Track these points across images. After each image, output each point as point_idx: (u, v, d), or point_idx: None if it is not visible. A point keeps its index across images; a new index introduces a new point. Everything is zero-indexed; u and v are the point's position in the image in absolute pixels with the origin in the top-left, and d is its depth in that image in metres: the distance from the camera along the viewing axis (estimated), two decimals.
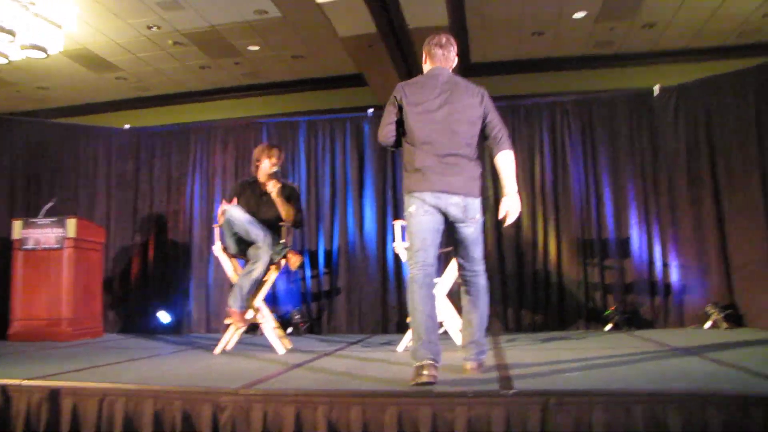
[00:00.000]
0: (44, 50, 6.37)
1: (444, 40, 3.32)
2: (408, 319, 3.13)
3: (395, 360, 3.76)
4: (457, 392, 2.55)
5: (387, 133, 3.21)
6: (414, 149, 3.13)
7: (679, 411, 2.34)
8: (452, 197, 3.07)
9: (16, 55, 6.37)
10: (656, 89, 5.72)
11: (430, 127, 3.12)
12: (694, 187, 5.51)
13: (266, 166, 4.59)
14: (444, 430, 2.46)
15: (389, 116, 3.20)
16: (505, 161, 3.32)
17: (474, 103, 3.23)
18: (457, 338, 4.16)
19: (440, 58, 3.30)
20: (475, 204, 3.18)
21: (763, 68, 5.17)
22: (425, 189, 3.05)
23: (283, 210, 4.49)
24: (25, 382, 2.95)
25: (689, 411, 2.34)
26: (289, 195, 4.63)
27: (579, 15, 6.70)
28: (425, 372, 2.80)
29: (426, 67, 3.35)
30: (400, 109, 3.17)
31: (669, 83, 5.77)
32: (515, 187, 3.32)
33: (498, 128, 3.29)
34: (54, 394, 2.86)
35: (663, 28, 6.97)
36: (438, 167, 3.07)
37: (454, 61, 3.38)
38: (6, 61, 6.48)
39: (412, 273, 3.06)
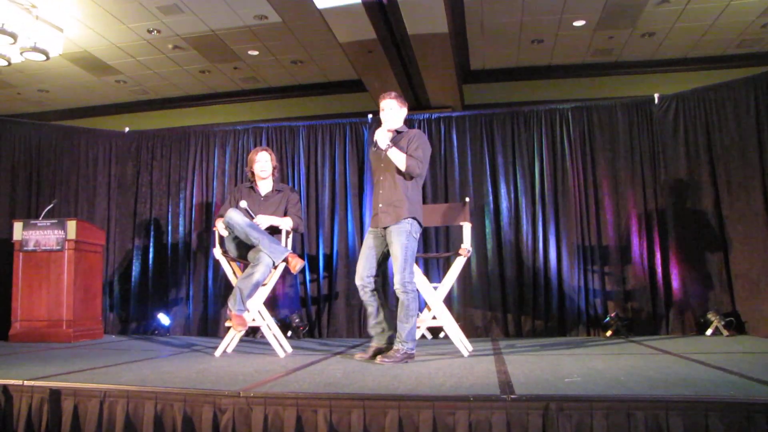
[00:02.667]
0: (45, 53, 6.39)
1: None
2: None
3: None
4: (458, 396, 2.55)
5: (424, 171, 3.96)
6: (419, 187, 3.97)
7: (681, 418, 2.35)
8: None
9: (17, 57, 6.39)
10: (656, 98, 5.75)
11: None
12: (694, 194, 5.53)
13: (258, 169, 4.71)
14: None
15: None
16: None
17: None
18: (459, 344, 4.17)
19: None
20: None
21: (763, 77, 5.20)
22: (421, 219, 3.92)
23: (280, 223, 4.56)
24: (27, 383, 2.95)
25: (691, 418, 2.35)
26: (289, 198, 4.71)
27: (578, 23, 6.74)
28: None
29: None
30: None
31: (668, 92, 5.80)
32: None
33: None
34: (55, 395, 2.86)
35: (662, 37, 7.01)
36: None
37: None
38: (7, 64, 6.50)
39: (412, 282, 3.77)
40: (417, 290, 3.88)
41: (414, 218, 3.84)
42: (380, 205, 3.87)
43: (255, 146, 6.13)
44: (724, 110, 5.41)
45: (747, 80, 5.32)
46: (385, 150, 3.83)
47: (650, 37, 7.01)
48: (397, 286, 3.76)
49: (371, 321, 3.95)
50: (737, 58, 7.41)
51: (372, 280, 3.90)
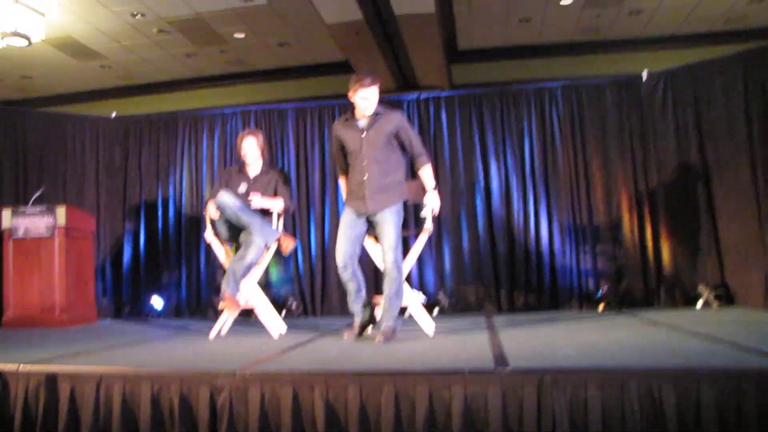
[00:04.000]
0: (27, 38, 6.28)
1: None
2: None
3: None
4: (453, 370, 2.58)
5: None
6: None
7: (673, 387, 2.38)
8: None
9: None
10: (644, 75, 5.77)
11: None
12: (683, 170, 5.57)
13: (244, 152, 4.63)
14: (441, 408, 2.49)
15: None
16: None
17: None
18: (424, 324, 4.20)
19: None
20: None
21: (751, 53, 5.23)
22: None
23: (271, 205, 4.53)
24: (23, 368, 2.94)
25: (683, 387, 2.38)
26: (278, 179, 4.68)
27: (566, 2, 6.71)
28: None
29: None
30: None
31: (657, 69, 5.81)
32: None
33: None
34: (51, 379, 2.85)
35: (650, 14, 6.99)
36: None
37: None
38: None
39: (401, 261, 3.82)
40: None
41: (404, 199, 3.91)
42: (367, 192, 3.80)
43: (244, 129, 6.10)
44: (713, 86, 5.43)
45: (735, 56, 5.34)
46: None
47: (637, 15, 6.99)
48: (389, 264, 3.76)
49: (353, 297, 3.89)
50: (725, 35, 7.40)
51: (355, 260, 3.89)
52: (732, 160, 5.26)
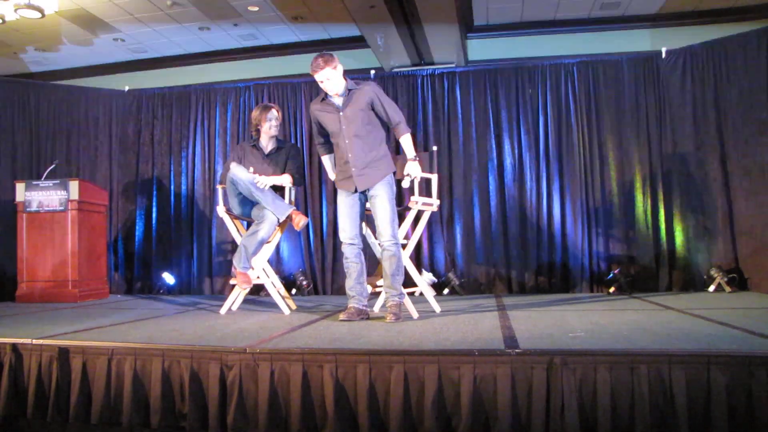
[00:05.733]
0: (40, 10, 6.25)
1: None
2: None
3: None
4: (463, 351, 2.57)
5: None
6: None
7: (683, 371, 2.38)
8: None
9: (12, 15, 6.26)
10: (663, 52, 5.66)
11: None
12: (700, 150, 5.49)
13: (267, 128, 4.57)
14: (450, 388, 2.50)
15: None
16: None
17: None
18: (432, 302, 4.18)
19: None
20: None
21: None
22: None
23: (281, 181, 4.49)
24: (36, 341, 2.98)
25: (694, 371, 2.37)
26: (289, 154, 4.64)
27: None
28: None
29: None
30: None
31: (676, 46, 5.70)
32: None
33: None
34: (64, 353, 2.89)
35: None
36: None
37: None
38: (1, 22, 6.38)
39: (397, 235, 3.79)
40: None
41: (392, 171, 3.87)
42: (354, 170, 3.76)
43: (257, 103, 6.08)
44: (734, 64, 5.33)
45: (759, 32, 5.23)
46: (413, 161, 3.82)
47: None
48: (387, 240, 3.73)
49: (354, 281, 3.84)
50: (751, 10, 7.21)
51: (360, 239, 3.88)
52: (751, 139, 5.16)
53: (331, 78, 3.73)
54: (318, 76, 3.73)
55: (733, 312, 3.78)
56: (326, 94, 3.83)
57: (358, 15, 6.68)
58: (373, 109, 3.82)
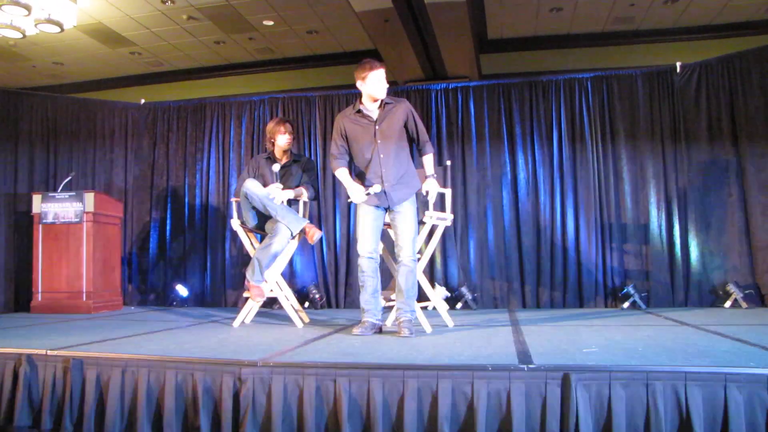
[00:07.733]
0: (59, 25, 6.36)
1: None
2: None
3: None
4: (476, 366, 2.56)
5: None
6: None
7: (700, 389, 2.35)
8: None
9: (32, 29, 6.37)
10: (678, 66, 5.64)
11: None
12: (715, 165, 5.45)
13: (281, 141, 4.61)
14: (463, 404, 2.48)
15: None
16: None
17: None
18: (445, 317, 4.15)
19: None
20: None
21: None
22: None
23: (298, 194, 4.52)
24: (50, 352, 3.00)
25: (711, 389, 2.34)
26: (305, 167, 4.67)
27: None
28: None
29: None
30: None
31: (691, 60, 5.68)
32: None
33: None
34: (78, 364, 2.90)
35: (685, 4, 6.84)
36: None
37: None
38: (21, 36, 6.48)
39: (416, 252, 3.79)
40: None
41: (419, 188, 3.91)
42: (386, 184, 3.74)
43: (271, 117, 6.10)
44: (750, 78, 5.30)
45: None
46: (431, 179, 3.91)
47: (673, 4, 6.84)
48: (407, 256, 3.73)
49: (371, 295, 3.81)
50: (764, 25, 7.19)
51: (378, 254, 3.89)
52: (767, 154, 5.12)
53: (384, 80, 3.76)
54: (376, 74, 3.70)
55: (750, 328, 3.74)
56: (359, 107, 3.81)
57: (372, 29, 6.73)
58: (404, 126, 3.84)
